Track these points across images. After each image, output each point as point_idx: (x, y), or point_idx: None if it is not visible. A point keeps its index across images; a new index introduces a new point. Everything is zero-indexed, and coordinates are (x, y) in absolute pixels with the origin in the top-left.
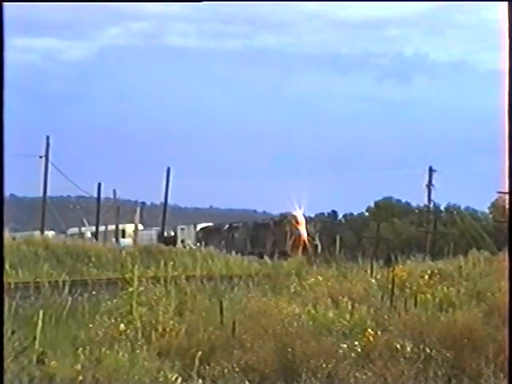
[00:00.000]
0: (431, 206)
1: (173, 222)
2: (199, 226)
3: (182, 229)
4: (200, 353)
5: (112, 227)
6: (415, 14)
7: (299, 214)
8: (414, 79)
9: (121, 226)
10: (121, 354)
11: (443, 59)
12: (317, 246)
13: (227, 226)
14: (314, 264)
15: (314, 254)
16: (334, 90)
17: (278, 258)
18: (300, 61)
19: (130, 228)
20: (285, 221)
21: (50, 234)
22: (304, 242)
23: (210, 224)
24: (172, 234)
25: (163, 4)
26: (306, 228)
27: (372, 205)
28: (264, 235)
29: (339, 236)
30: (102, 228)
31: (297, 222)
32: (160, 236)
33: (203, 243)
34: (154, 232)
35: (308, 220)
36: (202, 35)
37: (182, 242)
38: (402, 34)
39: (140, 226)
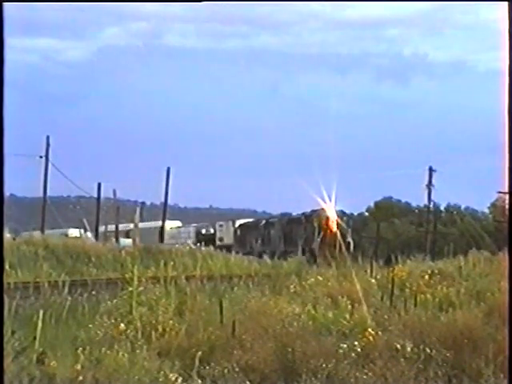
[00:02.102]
0: (431, 206)
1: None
2: (238, 223)
3: (221, 225)
4: (200, 353)
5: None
6: (414, 14)
7: (329, 209)
8: (413, 79)
9: (159, 223)
10: (121, 353)
11: (442, 59)
12: (349, 243)
13: (264, 221)
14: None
15: (347, 253)
16: (333, 90)
17: (307, 257)
18: (299, 61)
19: (167, 225)
20: (313, 216)
21: (77, 232)
22: (334, 239)
23: (249, 220)
24: (212, 231)
25: (162, 4)
26: (338, 224)
27: (372, 205)
28: (296, 232)
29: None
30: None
31: (327, 217)
32: (198, 234)
33: (241, 240)
34: (191, 229)
35: (340, 215)
36: (201, 35)
37: (221, 240)
38: (401, 34)
39: (178, 223)
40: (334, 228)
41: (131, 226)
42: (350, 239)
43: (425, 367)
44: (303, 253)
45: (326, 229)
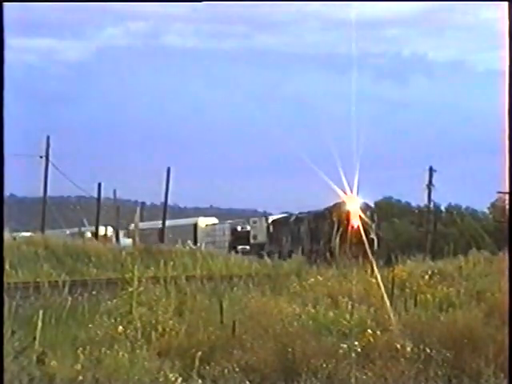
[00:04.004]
0: (431, 205)
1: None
2: (271, 219)
3: (254, 222)
4: (200, 353)
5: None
6: (413, 14)
7: (351, 200)
8: (413, 79)
9: (193, 220)
10: (121, 354)
11: (441, 59)
12: (373, 240)
13: (294, 217)
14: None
15: (370, 251)
16: (333, 90)
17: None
18: (299, 61)
19: (202, 222)
20: (332, 209)
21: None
22: (356, 236)
23: (282, 215)
24: (248, 227)
25: (162, 4)
26: (361, 218)
27: (372, 205)
28: (321, 228)
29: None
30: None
31: (348, 211)
32: (233, 231)
33: (273, 238)
34: (227, 226)
35: (364, 208)
36: (201, 35)
37: (255, 238)
38: (400, 34)
39: (214, 220)
40: (356, 223)
41: (166, 223)
42: (373, 236)
43: (425, 367)
44: (328, 250)
45: (347, 224)
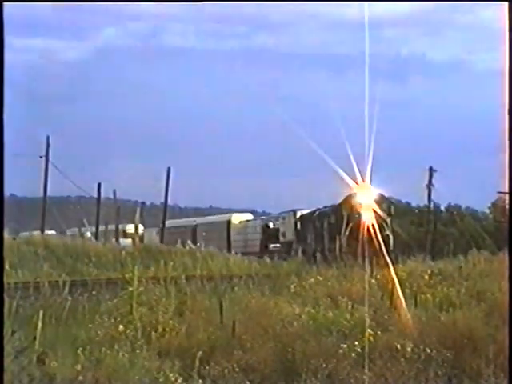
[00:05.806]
0: (431, 205)
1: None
2: (299, 214)
3: (284, 218)
4: (200, 353)
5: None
6: (412, 15)
7: (363, 191)
8: (412, 79)
9: (226, 217)
10: (121, 354)
11: (440, 59)
12: (388, 237)
13: (317, 212)
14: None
15: (385, 250)
16: (332, 90)
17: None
18: (298, 61)
19: (236, 219)
20: (342, 202)
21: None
22: (369, 232)
23: (309, 211)
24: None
25: (162, 4)
26: (374, 211)
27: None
28: (338, 224)
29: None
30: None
31: (359, 204)
32: (265, 228)
33: (299, 236)
34: (258, 223)
35: (378, 200)
36: (201, 35)
37: (284, 235)
38: (399, 34)
39: (249, 216)
40: (368, 217)
41: (197, 220)
42: (388, 232)
43: (425, 367)
44: (335, 249)
45: (358, 219)
